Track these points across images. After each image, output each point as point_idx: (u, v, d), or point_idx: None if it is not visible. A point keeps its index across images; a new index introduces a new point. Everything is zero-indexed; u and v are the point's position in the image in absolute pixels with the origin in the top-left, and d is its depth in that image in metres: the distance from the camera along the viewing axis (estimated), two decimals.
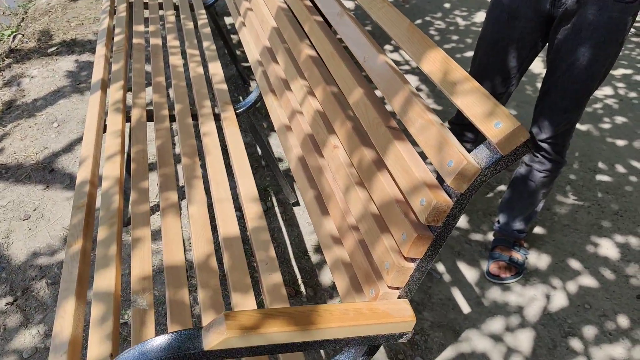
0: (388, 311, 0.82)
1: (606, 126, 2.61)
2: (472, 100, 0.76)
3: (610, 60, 1.44)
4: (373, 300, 0.86)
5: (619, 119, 2.67)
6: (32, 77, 2.75)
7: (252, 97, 1.72)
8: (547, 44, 1.51)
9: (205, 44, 2.05)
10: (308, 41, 1.34)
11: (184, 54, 2.87)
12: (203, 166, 2.14)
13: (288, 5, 1.52)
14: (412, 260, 0.82)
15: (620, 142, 2.49)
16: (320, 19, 1.30)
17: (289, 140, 1.30)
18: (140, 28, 2.12)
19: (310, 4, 1.38)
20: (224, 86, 1.77)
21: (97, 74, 1.79)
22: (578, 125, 2.61)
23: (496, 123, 0.71)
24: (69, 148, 2.21)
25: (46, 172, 2.08)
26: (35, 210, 1.90)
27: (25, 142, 2.24)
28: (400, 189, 0.85)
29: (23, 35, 3.47)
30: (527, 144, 0.71)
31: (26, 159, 2.14)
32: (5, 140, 2.26)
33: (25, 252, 1.74)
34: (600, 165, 2.34)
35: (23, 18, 3.91)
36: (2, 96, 2.61)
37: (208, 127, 1.57)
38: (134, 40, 2.02)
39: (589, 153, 2.41)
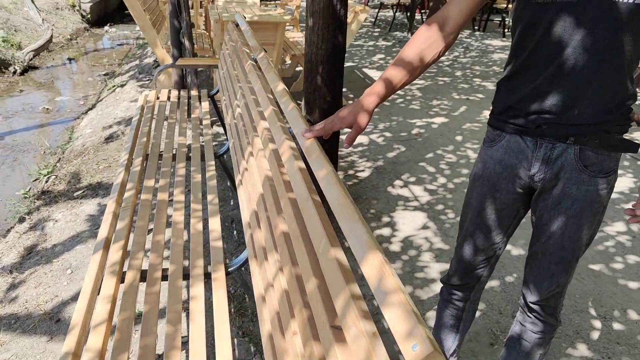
0: None
1: (618, 266, 2.55)
2: (397, 315, 0.79)
3: (594, 227, 1.46)
4: None
5: (632, 258, 2.61)
6: (56, 221, 2.92)
7: (242, 257, 1.78)
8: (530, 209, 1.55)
9: (209, 197, 2.16)
10: (284, 216, 1.42)
11: (188, 207, 3.00)
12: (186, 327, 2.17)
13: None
14: None
15: (633, 285, 2.42)
16: (295, 196, 1.38)
17: (262, 312, 1.33)
18: (151, 182, 2.27)
19: (288, 178, 1.47)
20: (219, 243, 1.85)
21: (103, 232, 1.90)
22: (589, 266, 2.56)
23: (413, 345, 0.73)
24: (78, 296, 2.29)
25: (52, 323, 2.14)
26: None
27: (38, 290, 2.33)
28: None
29: (56, 176, 3.72)
30: None
31: (36, 308, 2.22)
32: (20, 288, 2.36)
33: None
34: (611, 310, 2.26)
35: (60, 158, 4.22)
36: (25, 241, 2.77)
37: (197, 290, 1.62)
38: (142, 196, 2.15)
39: (599, 297, 2.34)
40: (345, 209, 1.10)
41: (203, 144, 2.72)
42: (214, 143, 3.73)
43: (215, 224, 1.97)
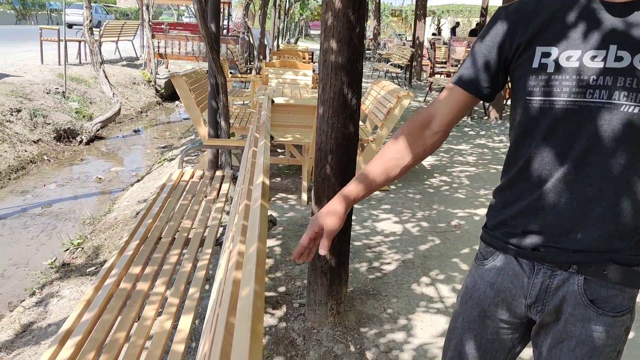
0: None
1: None
2: None
3: None
4: None
5: None
6: (61, 298, 2.87)
7: None
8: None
9: (191, 290, 2.02)
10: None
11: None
12: None
13: None
14: None
15: None
16: None
17: None
18: (136, 270, 2.16)
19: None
20: (181, 348, 1.69)
21: (67, 323, 1.78)
22: None
23: None
24: None
25: None
26: None
27: None
28: None
29: (82, 248, 3.74)
30: None
31: None
32: None
33: None
34: None
35: (93, 230, 4.26)
36: (27, 317, 2.72)
37: None
38: (122, 285, 2.04)
39: None
40: (241, 340, 0.92)
41: (207, 229, 2.62)
42: None
43: (185, 323, 1.81)
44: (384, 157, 1.27)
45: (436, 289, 3.08)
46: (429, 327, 2.69)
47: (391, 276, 3.21)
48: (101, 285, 2.04)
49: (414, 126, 1.26)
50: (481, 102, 8.67)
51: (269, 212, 3.68)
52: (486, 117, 8.88)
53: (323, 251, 1.21)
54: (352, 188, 1.27)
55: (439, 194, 4.80)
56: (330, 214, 1.23)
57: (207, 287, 2.81)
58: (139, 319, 1.84)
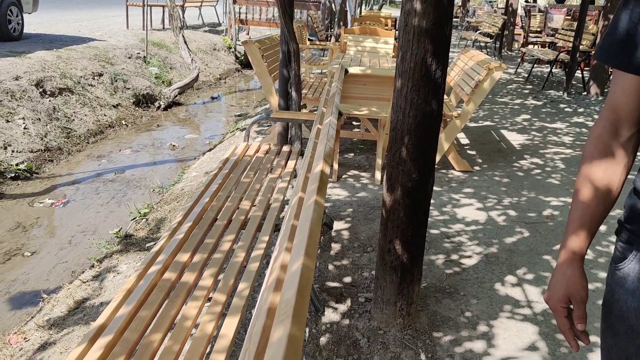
0: None
1: None
2: None
3: None
4: None
5: None
6: (117, 274, 2.76)
7: None
8: None
9: (241, 286, 1.79)
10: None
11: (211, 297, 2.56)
12: None
13: None
14: None
15: None
16: None
17: None
18: (185, 257, 1.95)
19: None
20: (222, 357, 1.45)
21: (101, 317, 1.60)
22: None
23: None
24: None
25: None
26: None
27: (60, 358, 2.12)
28: None
29: (147, 219, 3.63)
30: None
31: None
32: (47, 351, 2.17)
33: None
34: None
35: (161, 199, 4.17)
36: (82, 292, 2.62)
37: None
38: (166, 274, 1.84)
39: None
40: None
41: (268, 211, 2.37)
42: None
43: (230, 327, 1.58)
44: (591, 187, 1.04)
45: (523, 290, 2.70)
46: (514, 337, 2.33)
47: (471, 272, 2.85)
48: (144, 273, 1.85)
49: (600, 142, 1.03)
50: (580, 75, 7.82)
51: (326, 211, 3.40)
52: (585, 93, 8.06)
53: (582, 325, 1.05)
54: (575, 240, 1.06)
55: (529, 178, 4.32)
56: (568, 282, 1.05)
57: (258, 283, 2.59)
58: (178, 318, 1.63)
